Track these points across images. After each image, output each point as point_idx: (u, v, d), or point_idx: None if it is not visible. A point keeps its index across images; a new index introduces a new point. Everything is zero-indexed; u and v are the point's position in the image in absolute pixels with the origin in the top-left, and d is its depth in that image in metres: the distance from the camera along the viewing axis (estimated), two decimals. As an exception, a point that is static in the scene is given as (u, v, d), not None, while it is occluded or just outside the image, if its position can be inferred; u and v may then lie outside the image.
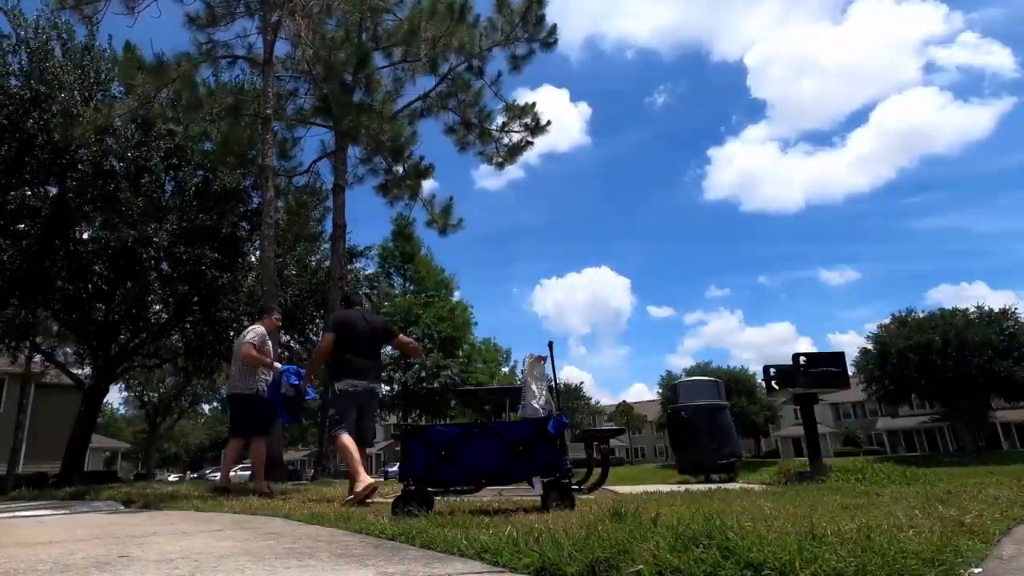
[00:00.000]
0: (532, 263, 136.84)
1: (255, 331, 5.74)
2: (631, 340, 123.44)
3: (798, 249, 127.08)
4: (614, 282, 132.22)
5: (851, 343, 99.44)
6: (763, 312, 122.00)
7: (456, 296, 36.71)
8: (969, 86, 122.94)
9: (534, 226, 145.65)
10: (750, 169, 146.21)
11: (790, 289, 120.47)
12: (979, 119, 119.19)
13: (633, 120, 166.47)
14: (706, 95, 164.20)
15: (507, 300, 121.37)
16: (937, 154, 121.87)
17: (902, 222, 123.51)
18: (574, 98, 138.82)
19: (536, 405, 3.64)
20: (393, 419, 40.05)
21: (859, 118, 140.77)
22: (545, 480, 3.15)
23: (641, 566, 1.45)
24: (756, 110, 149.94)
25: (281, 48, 11.15)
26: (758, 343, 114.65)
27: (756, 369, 53.25)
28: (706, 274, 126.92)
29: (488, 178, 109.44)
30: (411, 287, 36.00)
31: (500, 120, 12.39)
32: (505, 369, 38.48)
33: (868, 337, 39.88)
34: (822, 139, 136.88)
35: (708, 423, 7.75)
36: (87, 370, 16.80)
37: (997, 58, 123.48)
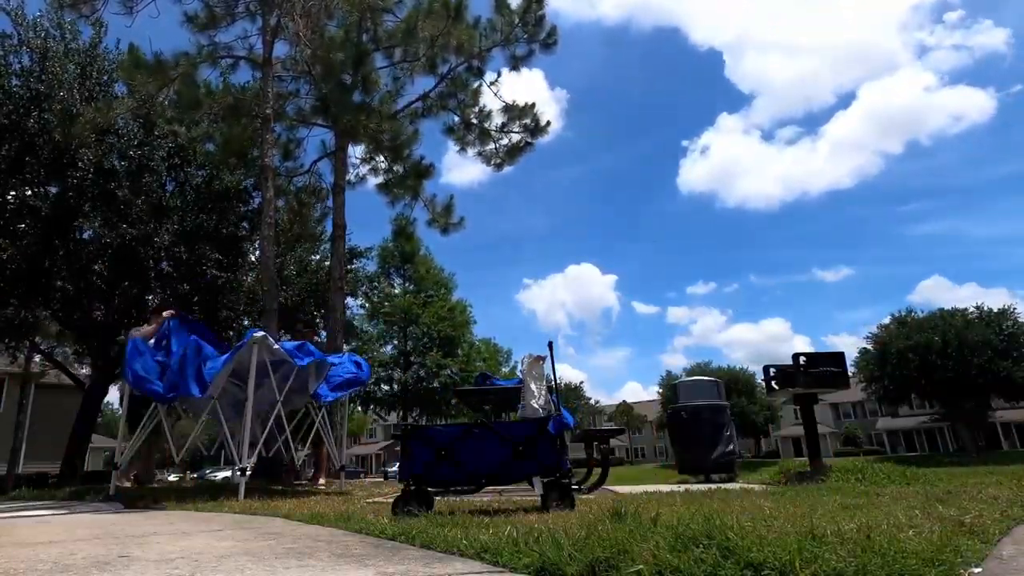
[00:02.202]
0: (515, 261, 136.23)
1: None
2: (621, 338, 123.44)
3: (784, 243, 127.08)
4: (600, 280, 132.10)
5: (843, 344, 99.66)
6: (754, 309, 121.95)
7: (455, 296, 36.74)
8: (962, 69, 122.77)
9: (512, 223, 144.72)
10: (732, 160, 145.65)
11: (782, 286, 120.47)
12: (974, 105, 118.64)
13: (608, 110, 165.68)
14: (682, 81, 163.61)
15: (492, 299, 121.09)
16: (926, 147, 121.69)
17: (895, 225, 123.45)
18: (552, 84, 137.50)
19: (536, 405, 3.64)
20: (393, 419, 40.04)
21: (844, 102, 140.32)
22: (545, 480, 3.15)
23: (641, 566, 1.45)
24: (734, 97, 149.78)
25: (282, 48, 11.16)
26: (752, 341, 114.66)
27: (754, 368, 53.39)
28: (692, 270, 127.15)
29: (454, 172, 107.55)
30: (410, 287, 36.01)
31: (499, 120, 12.40)
32: (506, 369, 38.50)
33: (867, 337, 39.96)
34: (804, 126, 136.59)
35: (708, 423, 7.75)
36: (87, 370, 16.79)
37: (991, 38, 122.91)
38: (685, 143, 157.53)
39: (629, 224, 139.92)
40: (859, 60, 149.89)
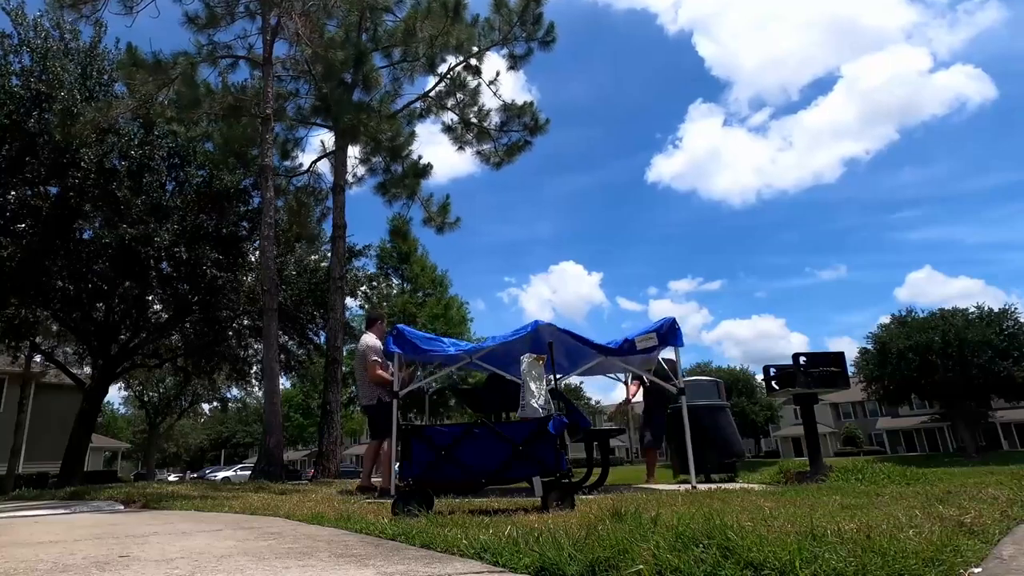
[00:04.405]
0: (500, 260, 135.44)
1: (375, 346, 5.67)
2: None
3: (772, 236, 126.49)
4: (588, 279, 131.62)
5: (841, 345, 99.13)
6: (746, 307, 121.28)
7: (450, 293, 36.61)
8: (956, 52, 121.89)
9: (496, 220, 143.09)
10: (717, 152, 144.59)
11: (774, 283, 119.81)
12: (967, 92, 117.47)
13: (587, 102, 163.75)
14: (659, 69, 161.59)
15: (480, 298, 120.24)
16: (917, 140, 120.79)
17: (888, 230, 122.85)
18: (531, 76, 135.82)
19: (536, 405, 3.64)
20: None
21: (826, 86, 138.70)
22: (545, 480, 3.15)
23: (641, 566, 1.45)
24: (714, 84, 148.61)
25: (282, 48, 11.16)
26: (745, 338, 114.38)
27: (754, 368, 53.34)
28: (677, 266, 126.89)
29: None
30: (407, 286, 35.97)
31: (498, 119, 12.41)
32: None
33: (867, 337, 39.94)
34: (787, 112, 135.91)
35: (708, 423, 7.73)
36: (87, 370, 16.80)
37: (988, 16, 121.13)
38: (659, 135, 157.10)
39: (612, 221, 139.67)
40: (845, 39, 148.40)
